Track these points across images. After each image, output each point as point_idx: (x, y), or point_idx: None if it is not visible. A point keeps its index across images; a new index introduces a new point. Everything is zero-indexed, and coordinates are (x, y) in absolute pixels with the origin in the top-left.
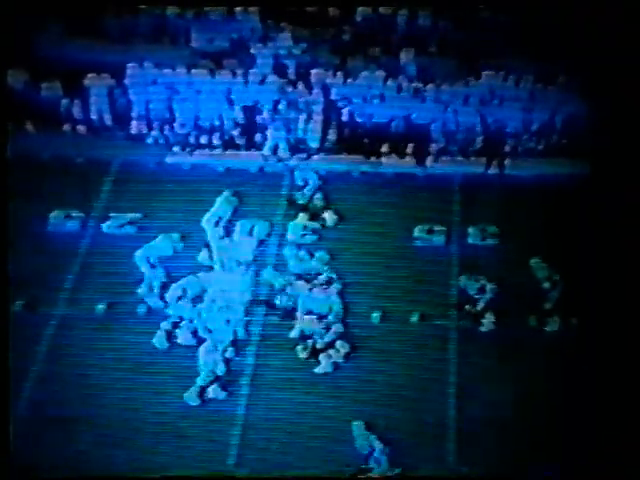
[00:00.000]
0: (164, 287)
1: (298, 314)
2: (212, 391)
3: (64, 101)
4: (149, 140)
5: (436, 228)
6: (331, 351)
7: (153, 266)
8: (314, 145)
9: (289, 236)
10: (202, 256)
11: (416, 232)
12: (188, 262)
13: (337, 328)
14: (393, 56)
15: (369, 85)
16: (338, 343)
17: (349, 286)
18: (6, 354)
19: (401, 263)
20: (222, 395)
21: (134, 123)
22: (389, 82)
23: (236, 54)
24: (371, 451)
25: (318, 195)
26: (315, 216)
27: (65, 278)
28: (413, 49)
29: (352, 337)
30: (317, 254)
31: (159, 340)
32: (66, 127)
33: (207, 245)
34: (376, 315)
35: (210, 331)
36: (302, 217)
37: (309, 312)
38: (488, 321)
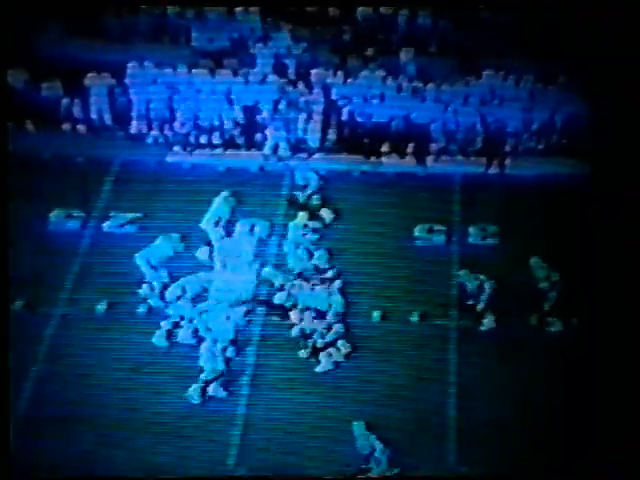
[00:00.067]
0: (165, 287)
1: (298, 313)
2: (213, 390)
3: (64, 101)
4: (149, 140)
5: (436, 228)
6: (331, 350)
7: (154, 267)
8: (314, 145)
9: (290, 235)
10: (202, 256)
11: (416, 232)
12: (189, 262)
13: (338, 328)
14: (393, 56)
15: (369, 85)
16: (338, 342)
17: (349, 285)
18: (6, 354)
19: (401, 263)
20: (222, 394)
21: (134, 123)
22: (389, 82)
23: (236, 54)
24: (372, 451)
25: (318, 195)
26: (315, 215)
27: (65, 278)
28: (413, 49)
29: (352, 337)
30: (317, 253)
31: (159, 340)
32: (66, 127)
33: (207, 245)
34: (376, 315)
35: (210, 330)
36: (302, 216)
37: (308, 309)
38: (488, 321)
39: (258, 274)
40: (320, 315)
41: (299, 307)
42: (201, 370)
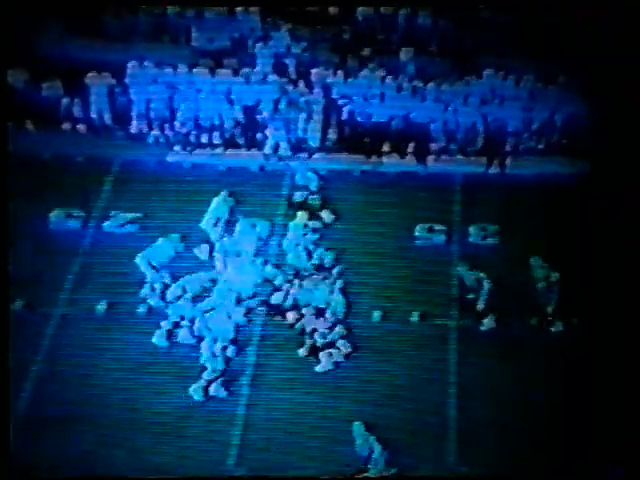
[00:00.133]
0: (165, 287)
1: (299, 311)
2: (214, 390)
3: (64, 100)
4: (150, 139)
5: (437, 227)
6: (332, 350)
7: (155, 268)
8: (315, 144)
9: (290, 235)
10: (202, 255)
11: (417, 231)
12: (189, 262)
13: (338, 328)
14: (393, 55)
15: (369, 84)
16: (338, 342)
17: (349, 285)
18: (6, 354)
19: (402, 262)
20: (223, 394)
21: (134, 122)
22: (389, 81)
23: (236, 53)
24: (370, 453)
25: (318, 194)
26: (315, 215)
27: (65, 277)
28: (413, 48)
29: (352, 337)
30: (317, 253)
31: (159, 340)
32: (66, 126)
33: (207, 244)
34: (376, 314)
35: (210, 330)
36: (303, 216)
37: (307, 306)
38: (488, 321)
39: (258, 273)
40: (320, 314)
41: (299, 306)
42: (202, 369)
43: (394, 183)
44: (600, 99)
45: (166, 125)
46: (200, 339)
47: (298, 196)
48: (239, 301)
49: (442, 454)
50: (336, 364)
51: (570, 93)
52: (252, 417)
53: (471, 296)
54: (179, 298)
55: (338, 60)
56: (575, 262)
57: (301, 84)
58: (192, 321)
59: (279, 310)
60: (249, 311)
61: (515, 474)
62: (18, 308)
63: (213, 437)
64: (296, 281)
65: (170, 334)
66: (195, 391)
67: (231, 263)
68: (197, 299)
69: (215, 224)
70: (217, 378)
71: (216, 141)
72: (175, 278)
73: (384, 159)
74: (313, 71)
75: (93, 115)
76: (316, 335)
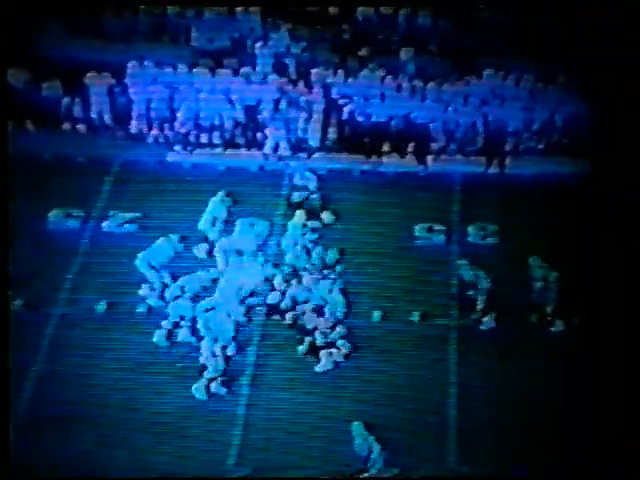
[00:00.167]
0: (165, 287)
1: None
2: (214, 389)
3: (65, 100)
4: (149, 139)
5: (436, 227)
6: (332, 349)
7: (154, 268)
8: (315, 144)
9: (289, 234)
10: (201, 255)
11: (416, 231)
12: (189, 262)
13: (339, 328)
14: (393, 55)
15: (369, 84)
16: (339, 342)
17: (350, 285)
18: (6, 354)
19: (402, 262)
20: (223, 393)
21: (134, 122)
22: (389, 81)
23: (236, 53)
24: (369, 452)
25: (318, 194)
26: (315, 215)
27: (65, 277)
28: (413, 48)
29: (353, 336)
30: (316, 252)
31: (159, 339)
32: (66, 126)
33: (206, 244)
34: (377, 314)
35: (210, 330)
36: (302, 216)
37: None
38: (488, 320)
39: (258, 273)
40: (320, 313)
41: (299, 305)
42: (203, 369)
43: (394, 183)
44: (600, 99)
45: (166, 125)
46: (200, 339)
47: (297, 196)
48: (239, 301)
49: (442, 454)
50: (336, 364)
51: (570, 93)
52: (252, 417)
53: (471, 296)
54: (178, 298)
55: (338, 60)
56: (575, 262)
57: (301, 84)
58: (192, 321)
59: (278, 309)
60: (249, 311)
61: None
62: (18, 308)
63: (213, 437)
64: (295, 281)
65: (170, 334)
66: (197, 390)
67: (230, 263)
68: (196, 299)
69: (213, 224)
70: (217, 378)
71: (216, 141)
72: (174, 278)
73: (384, 159)
74: (313, 71)
75: (93, 115)
76: (316, 334)
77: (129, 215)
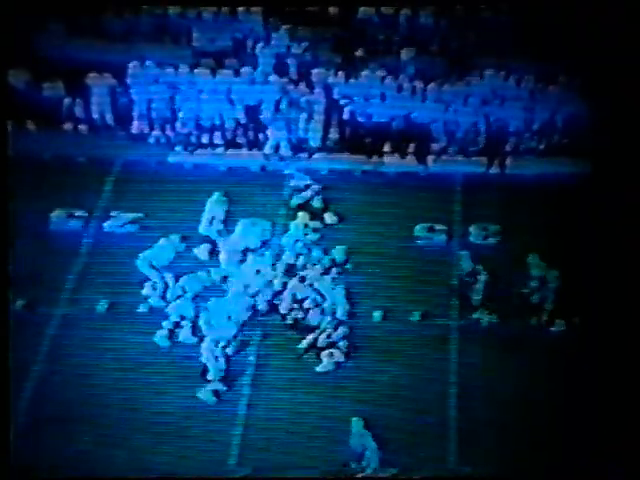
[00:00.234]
0: (166, 287)
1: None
2: (215, 388)
3: (66, 101)
4: (151, 139)
5: (437, 227)
6: (333, 349)
7: (156, 269)
8: (315, 144)
9: (291, 234)
10: (202, 255)
11: (417, 231)
12: (189, 262)
13: (340, 328)
14: (394, 55)
15: (370, 84)
16: (339, 342)
17: (350, 285)
18: (6, 354)
19: (402, 262)
20: (225, 394)
21: (136, 122)
22: (390, 81)
23: (238, 53)
24: (364, 450)
25: (319, 194)
26: (316, 215)
27: (66, 277)
28: (414, 48)
29: (353, 336)
30: (318, 252)
31: (160, 339)
32: (68, 127)
33: (207, 244)
34: (377, 314)
35: (211, 330)
36: (303, 216)
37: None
38: (489, 320)
39: (259, 273)
40: (320, 313)
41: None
42: (205, 369)
43: (395, 183)
44: (600, 99)
45: (167, 125)
46: (201, 339)
47: (299, 196)
48: (240, 301)
49: (442, 454)
50: (337, 364)
51: (571, 93)
52: (253, 417)
53: (472, 296)
54: (179, 298)
55: (339, 60)
56: (576, 262)
57: (302, 84)
58: (193, 321)
59: (279, 309)
60: (250, 310)
61: (515, 474)
62: (19, 308)
63: (214, 437)
64: (297, 281)
65: (171, 334)
66: (202, 394)
67: (232, 263)
68: (197, 299)
69: (210, 223)
70: (218, 378)
71: (217, 141)
72: (175, 278)
73: (385, 159)
74: (314, 71)
75: (95, 115)
76: (315, 333)
77: (130, 215)
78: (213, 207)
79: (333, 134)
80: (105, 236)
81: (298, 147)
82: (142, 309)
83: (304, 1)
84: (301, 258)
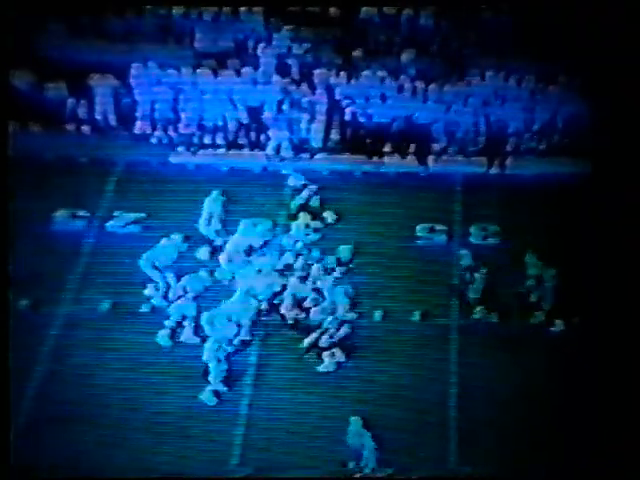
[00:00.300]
0: (168, 287)
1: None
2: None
3: (69, 101)
4: (153, 140)
5: (438, 227)
6: (334, 349)
7: (158, 269)
8: (317, 145)
9: (292, 235)
10: (203, 255)
11: (418, 231)
12: (191, 262)
13: (345, 328)
14: (395, 56)
15: (371, 85)
16: (340, 342)
17: (351, 285)
18: (6, 354)
19: (403, 262)
20: (226, 394)
21: (138, 123)
22: (391, 82)
23: (240, 54)
24: (361, 450)
25: (320, 195)
26: (317, 215)
27: (69, 277)
28: (415, 49)
29: (353, 336)
30: (318, 253)
31: (162, 339)
32: (71, 127)
33: (208, 244)
34: (378, 314)
35: (212, 331)
36: (304, 216)
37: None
38: (489, 320)
39: (260, 272)
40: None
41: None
42: (205, 369)
43: (395, 183)
44: (600, 99)
45: (170, 126)
46: (203, 339)
47: (300, 197)
48: (241, 301)
49: (442, 454)
50: (338, 364)
51: (571, 93)
52: (254, 417)
53: (472, 295)
54: (181, 298)
55: (341, 61)
56: (576, 262)
57: (304, 85)
58: (194, 321)
59: (280, 310)
60: (250, 311)
61: (515, 474)
62: (23, 308)
63: (216, 437)
64: (297, 281)
65: (173, 334)
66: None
67: (233, 263)
68: (199, 299)
69: (208, 222)
70: (219, 378)
71: (219, 142)
72: (177, 278)
73: (385, 159)
74: (316, 72)
75: (97, 116)
76: (317, 333)
77: (133, 215)
78: (211, 205)
79: (335, 135)
80: (107, 236)
81: (299, 148)
82: (144, 309)
83: (306, 2)
84: (302, 258)
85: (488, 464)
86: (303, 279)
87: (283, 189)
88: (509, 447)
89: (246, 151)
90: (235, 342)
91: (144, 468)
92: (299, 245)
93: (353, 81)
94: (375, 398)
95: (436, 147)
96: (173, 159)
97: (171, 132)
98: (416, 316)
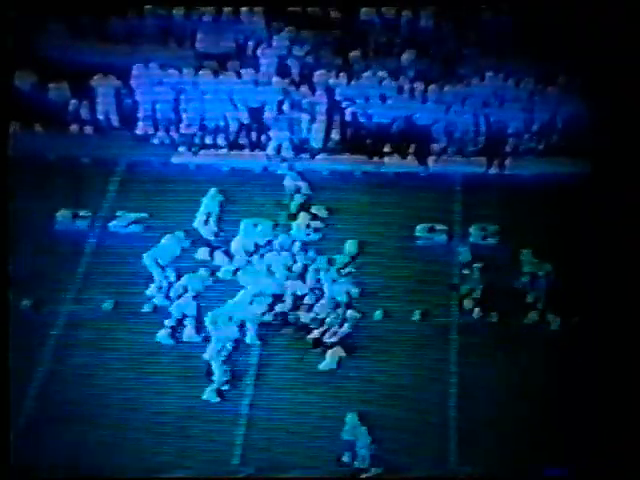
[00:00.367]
0: (170, 286)
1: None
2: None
3: (72, 102)
4: (155, 140)
5: (437, 227)
6: (335, 349)
7: (161, 267)
8: (317, 145)
9: (292, 234)
10: (204, 255)
11: (418, 231)
12: (192, 262)
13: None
14: (395, 57)
15: (372, 86)
16: (340, 342)
17: (351, 285)
18: (6, 354)
19: (403, 262)
20: (228, 394)
21: (140, 124)
22: (391, 83)
23: (240, 55)
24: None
25: (320, 195)
26: (317, 215)
27: (72, 277)
28: (415, 50)
29: (354, 336)
30: (318, 252)
31: (164, 338)
32: (73, 128)
33: (209, 244)
34: (378, 314)
35: (214, 330)
36: (305, 216)
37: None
38: (489, 320)
39: (261, 273)
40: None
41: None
42: (207, 369)
43: (395, 183)
44: (600, 99)
45: (171, 127)
46: (204, 338)
47: (300, 196)
48: (241, 300)
49: (442, 454)
50: (339, 362)
51: (570, 93)
52: (255, 417)
53: (472, 295)
54: (182, 297)
55: (341, 62)
56: (576, 262)
57: (304, 86)
58: (196, 320)
59: (282, 310)
60: (252, 310)
61: (515, 474)
62: (25, 308)
63: (217, 437)
64: (298, 281)
65: (175, 333)
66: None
67: (233, 263)
68: (200, 298)
69: (206, 221)
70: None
71: (220, 142)
72: (178, 277)
73: (385, 160)
74: (316, 73)
75: (100, 117)
76: (318, 332)
77: (135, 215)
78: (208, 203)
79: (335, 135)
80: (110, 236)
81: (300, 148)
82: (147, 309)
83: (306, 3)
84: (302, 258)
85: (488, 464)
86: (304, 278)
87: (283, 189)
88: (509, 447)
89: (247, 152)
90: (236, 342)
91: (144, 468)
92: (300, 245)
93: (353, 82)
94: (375, 398)
95: (436, 147)
96: (175, 159)
97: (173, 132)
98: (416, 316)
